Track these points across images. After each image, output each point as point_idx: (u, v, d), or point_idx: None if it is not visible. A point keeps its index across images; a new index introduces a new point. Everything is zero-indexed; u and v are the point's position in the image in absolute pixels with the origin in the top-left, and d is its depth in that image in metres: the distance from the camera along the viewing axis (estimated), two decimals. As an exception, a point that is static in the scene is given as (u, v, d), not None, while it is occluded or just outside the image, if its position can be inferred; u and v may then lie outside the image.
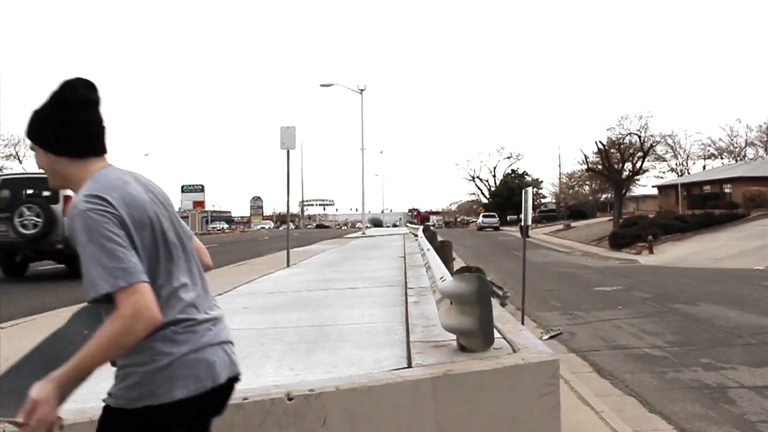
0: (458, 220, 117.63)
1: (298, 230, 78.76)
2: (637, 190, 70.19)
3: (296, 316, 6.97)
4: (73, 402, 3.68)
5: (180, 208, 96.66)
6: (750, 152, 71.43)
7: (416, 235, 23.16)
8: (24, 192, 15.37)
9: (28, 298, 11.28)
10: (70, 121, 2.18)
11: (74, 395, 3.87)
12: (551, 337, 10.89)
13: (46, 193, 14.75)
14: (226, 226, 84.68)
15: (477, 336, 4.01)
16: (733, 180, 50.99)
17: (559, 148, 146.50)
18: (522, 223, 12.69)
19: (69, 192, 10.76)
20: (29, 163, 69.68)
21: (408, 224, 67.07)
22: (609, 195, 66.17)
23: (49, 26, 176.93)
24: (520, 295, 11.92)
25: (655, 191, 67.66)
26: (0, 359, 5.11)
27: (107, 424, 2.29)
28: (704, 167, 72.71)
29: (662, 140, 62.11)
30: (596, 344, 10.51)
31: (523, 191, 12.20)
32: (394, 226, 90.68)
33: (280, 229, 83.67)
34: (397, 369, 4.03)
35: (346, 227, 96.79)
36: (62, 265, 15.45)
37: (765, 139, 70.75)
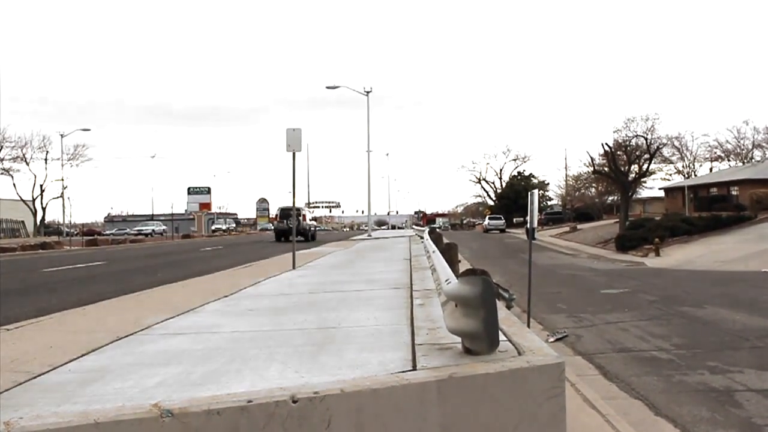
0: (464, 222, 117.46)
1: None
2: (643, 193, 70.13)
3: (301, 318, 6.97)
4: (75, 404, 3.70)
5: (186, 210, 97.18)
6: (757, 154, 71.24)
7: (422, 237, 23.14)
8: (287, 211, 40.88)
9: (34, 300, 11.32)
10: None
11: (79, 397, 3.89)
12: (557, 340, 10.87)
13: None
14: (233, 226, 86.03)
15: (482, 339, 4.00)
16: (739, 182, 50.79)
17: (566, 150, 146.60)
18: (528, 226, 12.68)
19: (305, 212, 49.54)
20: (36, 165, 69.88)
21: (414, 226, 67.09)
22: (615, 197, 66.07)
23: (54, 31, 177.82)
24: (526, 298, 11.90)
25: (661, 193, 67.52)
26: (9, 359, 5.12)
27: None
28: (711, 169, 72.53)
29: (669, 142, 62.24)
30: (602, 347, 10.48)
31: (529, 193, 12.18)
32: (400, 228, 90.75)
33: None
34: (402, 372, 4.02)
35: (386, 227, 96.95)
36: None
37: (772, 141, 70.45)
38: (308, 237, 42.73)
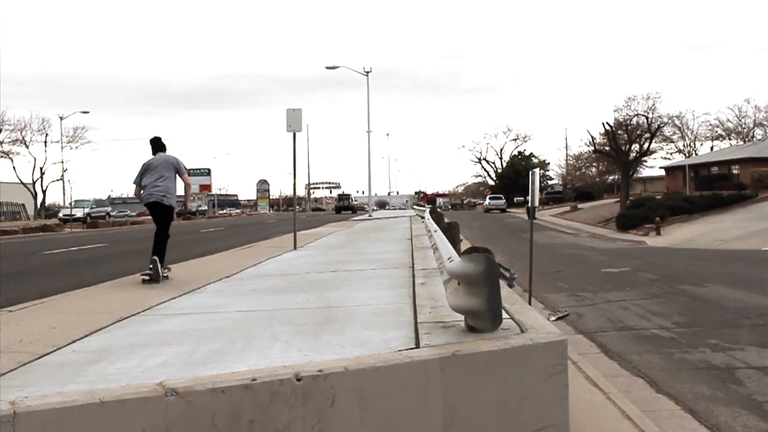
0: (465, 202, 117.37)
1: (305, 213, 79.18)
2: (644, 172, 69.96)
3: (304, 298, 6.97)
4: (80, 384, 3.71)
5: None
6: (758, 133, 70.93)
7: (423, 217, 23.12)
8: (342, 195, 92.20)
9: (37, 282, 11.34)
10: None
11: (83, 377, 3.90)
12: (558, 319, 10.88)
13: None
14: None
15: (485, 316, 3.99)
16: (740, 161, 50.66)
17: (566, 129, 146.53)
18: (529, 205, 12.64)
19: (352, 195, 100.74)
20: (35, 148, 69.75)
21: (414, 206, 67.11)
22: (616, 176, 65.97)
23: (52, 13, 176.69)
24: (527, 277, 11.91)
25: (662, 172, 67.38)
26: (13, 340, 5.14)
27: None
28: (712, 148, 72.30)
29: (670, 121, 61.90)
30: (603, 325, 10.51)
31: (530, 172, 12.13)
32: (401, 208, 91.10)
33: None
34: (406, 349, 4.03)
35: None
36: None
37: (773, 119, 70.21)
38: (354, 211, 72.60)
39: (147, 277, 9.12)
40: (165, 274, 9.37)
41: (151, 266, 9.18)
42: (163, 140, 10.20)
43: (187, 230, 33.00)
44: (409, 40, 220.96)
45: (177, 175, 9.91)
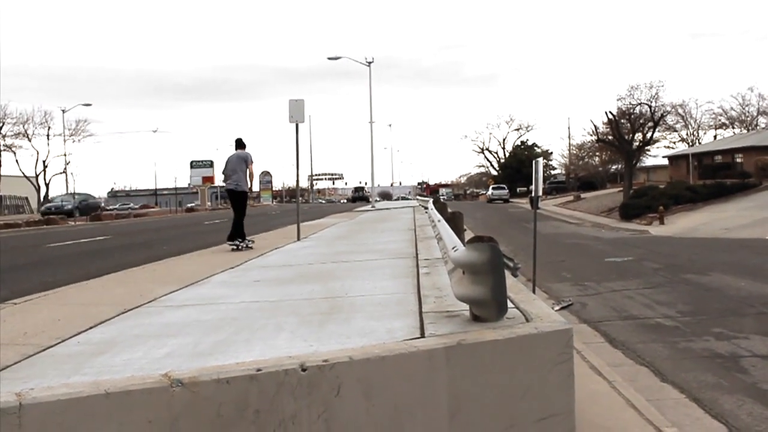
0: (467, 192, 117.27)
1: (307, 204, 79.06)
2: (647, 161, 69.86)
3: (308, 288, 6.97)
4: (85, 375, 3.71)
5: (189, 184, 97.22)
6: (762, 121, 70.73)
7: (426, 208, 23.11)
8: (358, 188, 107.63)
9: (41, 275, 11.35)
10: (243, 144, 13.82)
11: (88, 368, 3.90)
12: (562, 308, 10.86)
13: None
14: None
15: (490, 305, 3.98)
16: (744, 149, 50.51)
17: (569, 119, 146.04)
18: (532, 195, 12.60)
19: (366, 188, 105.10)
20: (38, 141, 69.69)
21: (418, 197, 67.24)
22: (619, 166, 65.82)
23: (55, 5, 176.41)
24: (531, 266, 11.89)
25: (665, 162, 67.21)
26: (18, 333, 5.14)
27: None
28: (715, 137, 72.12)
29: (673, 110, 61.71)
30: (608, 315, 10.50)
31: (534, 162, 12.06)
32: (404, 199, 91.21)
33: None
34: (411, 339, 4.02)
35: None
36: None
37: (777, 107, 69.95)
38: (368, 200, 70.15)
39: (234, 247, 12.47)
40: (250, 246, 12.71)
41: (236, 242, 12.60)
42: (243, 140, 13.36)
43: (191, 222, 33.04)
44: (411, 30, 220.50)
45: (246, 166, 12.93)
